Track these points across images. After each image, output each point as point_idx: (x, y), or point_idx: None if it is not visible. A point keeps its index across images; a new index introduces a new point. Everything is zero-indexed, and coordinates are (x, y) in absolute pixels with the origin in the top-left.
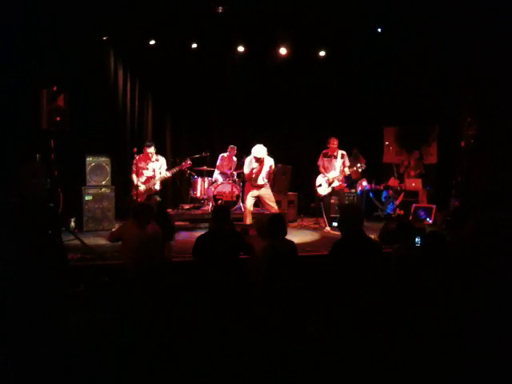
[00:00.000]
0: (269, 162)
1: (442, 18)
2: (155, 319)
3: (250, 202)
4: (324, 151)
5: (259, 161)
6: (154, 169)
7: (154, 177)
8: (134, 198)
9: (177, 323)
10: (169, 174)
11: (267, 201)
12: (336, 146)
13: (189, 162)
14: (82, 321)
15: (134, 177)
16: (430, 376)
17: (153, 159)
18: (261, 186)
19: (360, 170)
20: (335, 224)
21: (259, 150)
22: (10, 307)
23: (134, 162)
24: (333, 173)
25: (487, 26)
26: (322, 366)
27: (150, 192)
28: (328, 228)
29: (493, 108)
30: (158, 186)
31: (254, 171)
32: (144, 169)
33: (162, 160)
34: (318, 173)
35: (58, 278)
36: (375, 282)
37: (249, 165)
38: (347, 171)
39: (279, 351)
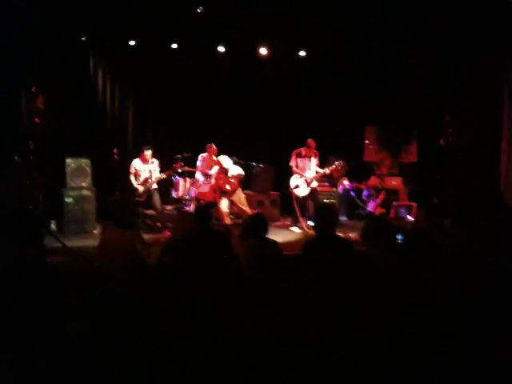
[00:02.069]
0: (236, 171)
1: (427, 23)
2: (152, 319)
3: (224, 204)
4: (297, 151)
5: (225, 171)
6: (150, 170)
7: (150, 177)
8: (138, 199)
9: (167, 324)
10: (164, 176)
11: (239, 204)
12: (313, 147)
13: (181, 163)
14: (82, 321)
15: (133, 178)
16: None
17: (149, 161)
18: (230, 192)
19: (340, 167)
20: (311, 223)
21: (224, 161)
22: (8, 308)
23: (131, 164)
24: (308, 172)
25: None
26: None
27: (148, 192)
28: (295, 227)
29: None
30: (155, 186)
31: (220, 181)
32: (141, 170)
33: (157, 162)
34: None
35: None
36: (348, 280)
37: (214, 175)
38: (327, 170)
39: (270, 353)
